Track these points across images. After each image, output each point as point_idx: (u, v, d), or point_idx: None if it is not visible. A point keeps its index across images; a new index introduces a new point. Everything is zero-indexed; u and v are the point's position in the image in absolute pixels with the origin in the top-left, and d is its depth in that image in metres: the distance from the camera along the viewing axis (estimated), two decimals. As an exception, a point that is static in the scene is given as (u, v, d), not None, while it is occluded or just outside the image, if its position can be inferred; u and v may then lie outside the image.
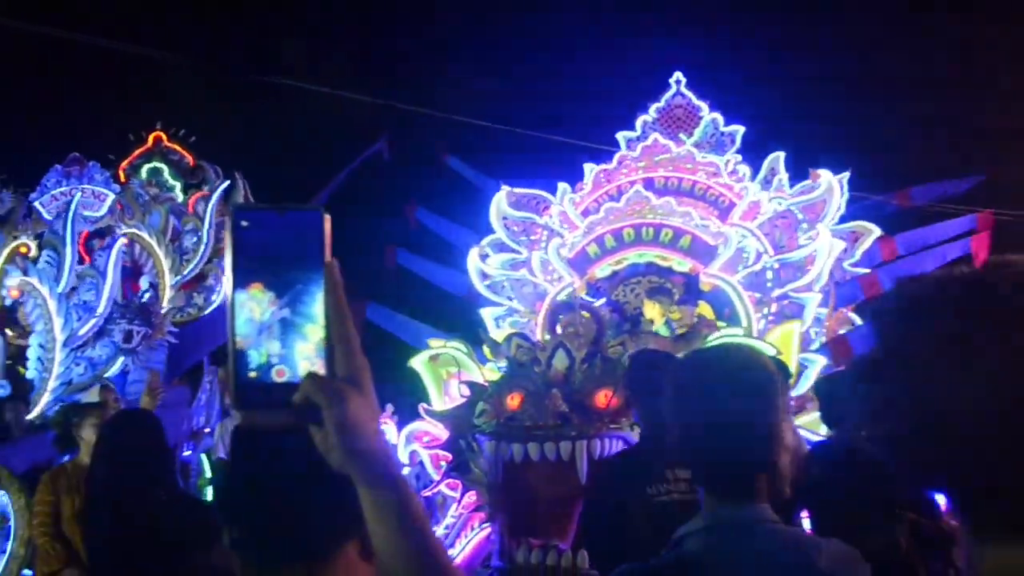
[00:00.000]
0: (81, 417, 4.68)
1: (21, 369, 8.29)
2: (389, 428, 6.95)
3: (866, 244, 7.94)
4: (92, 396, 5.05)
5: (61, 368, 8.11)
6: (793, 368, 5.77)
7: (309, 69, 15.34)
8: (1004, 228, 9.47)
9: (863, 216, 8.33)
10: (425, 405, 5.86)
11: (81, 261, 9.03)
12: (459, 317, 8.30)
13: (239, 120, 15.75)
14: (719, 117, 8.66)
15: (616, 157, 8.26)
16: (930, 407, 0.91)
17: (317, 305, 0.89)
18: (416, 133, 11.84)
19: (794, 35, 15.95)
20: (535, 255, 7.45)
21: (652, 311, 6.63)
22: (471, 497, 5.31)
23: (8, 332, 8.52)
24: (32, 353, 8.14)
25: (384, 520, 0.89)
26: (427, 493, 5.67)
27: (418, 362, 5.97)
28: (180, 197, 12.43)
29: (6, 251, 10.45)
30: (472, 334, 6.74)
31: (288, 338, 0.89)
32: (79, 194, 10.21)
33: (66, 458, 5.49)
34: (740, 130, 8.58)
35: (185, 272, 11.31)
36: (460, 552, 5.37)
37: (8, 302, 8.88)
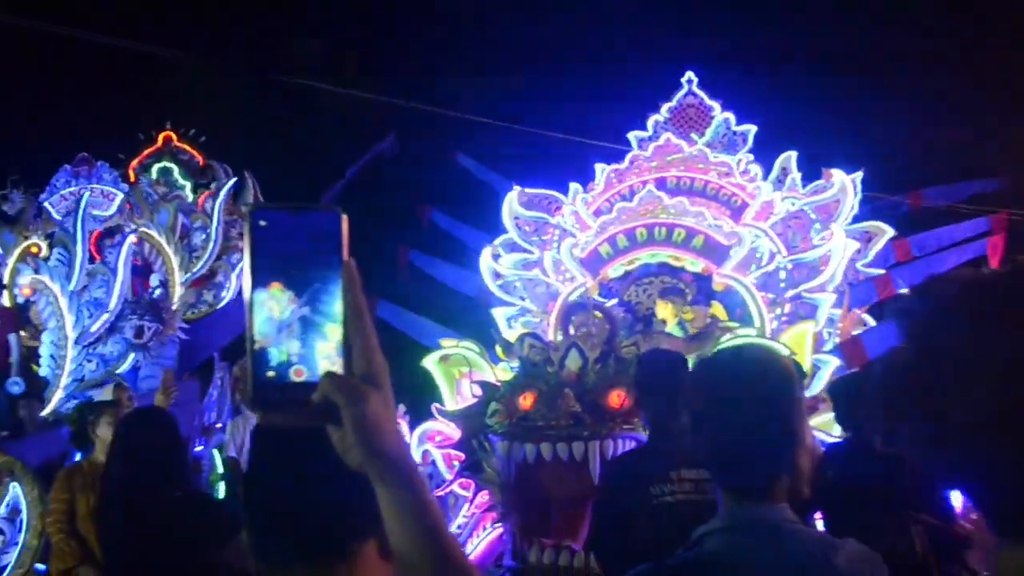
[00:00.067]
0: (97, 415, 4.70)
1: (34, 367, 8.34)
2: (401, 427, 6.93)
3: (879, 244, 7.90)
4: (106, 394, 5.08)
5: (73, 365, 8.17)
6: (806, 369, 5.75)
7: (319, 68, 15.38)
8: (1019, 230, 9.41)
9: (876, 217, 8.30)
10: (437, 405, 5.86)
11: (92, 260, 9.08)
12: (470, 317, 8.31)
13: (249, 119, 15.80)
14: (731, 116, 8.64)
15: (628, 157, 8.24)
16: (957, 406, 0.91)
17: (336, 304, 0.89)
18: (427, 132, 11.85)
19: (806, 34, 15.89)
20: (547, 255, 7.44)
21: (664, 311, 6.61)
22: (483, 497, 5.31)
23: (22, 333, 8.58)
24: (44, 350, 8.20)
25: (402, 519, 0.89)
26: (439, 493, 5.67)
27: (430, 362, 5.97)
28: (190, 197, 12.49)
29: (17, 251, 10.53)
30: (484, 334, 6.74)
31: (308, 337, 0.89)
32: (88, 192, 10.25)
33: (79, 455, 5.53)
34: (752, 129, 8.55)
35: (195, 269, 11.37)
36: (472, 552, 5.38)
37: (20, 300, 8.94)
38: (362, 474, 0.89)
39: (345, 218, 0.91)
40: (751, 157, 8.26)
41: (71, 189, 11.22)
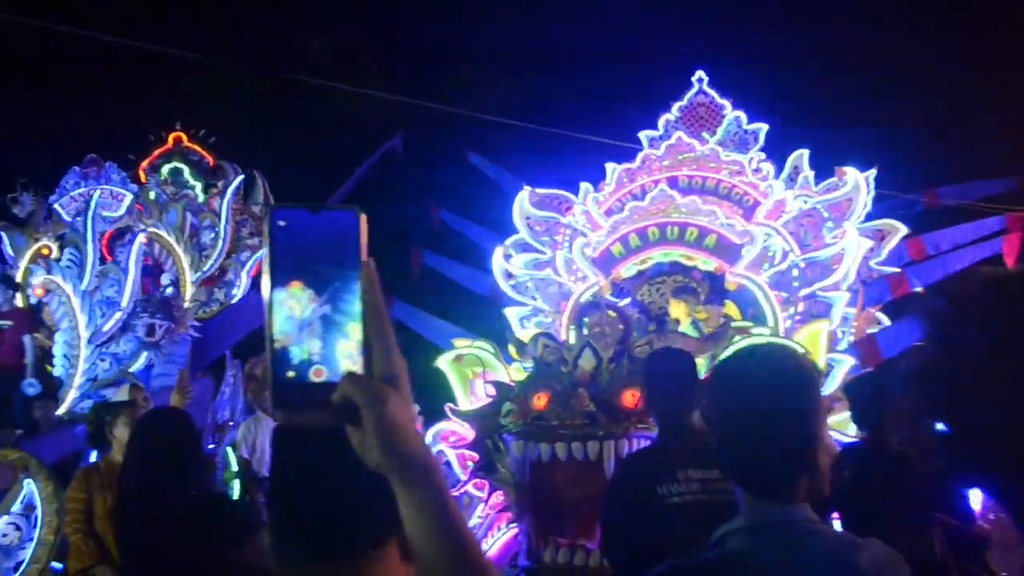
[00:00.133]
0: (114, 415, 4.73)
1: (48, 367, 8.40)
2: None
3: (893, 242, 7.85)
4: (122, 394, 5.11)
5: (87, 364, 8.23)
6: (821, 368, 5.72)
7: (330, 68, 15.41)
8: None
9: (889, 215, 8.25)
10: (451, 405, 5.86)
11: (103, 261, 9.14)
12: (483, 317, 8.31)
13: (259, 119, 15.84)
14: (742, 115, 8.61)
15: (639, 156, 8.23)
16: (984, 403, 0.90)
17: (356, 303, 0.89)
18: (436, 131, 11.86)
19: (818, 32, 15.82)
20: (559, 254, 7.44)
21: (678, 311, 6.59)
22: (498, 497, 5.31)
23: (37, 335, 8.64)
24: (58, 350, 8.26)
25: (422, 520, 0.89)
26: (454, 493, 5.66)
27: (444, 362, 5.97)
28: (201, 197, 12.54)
29: (29, 253, 10.61)
30: (497, 334, 6.73)
31: (329, 335, 0.89)
32: (98, 192, 10.30)
33: (94, 454, 5.56)
34: (763, 128, 8.52)
35: (205, 268, 11.44)
36: (487, 552, 5.37)
37: (33, 301, 9.00)
38: (382, 475, 0.89)
39: (364, 218, 0.91)
40: (763, 155, 8.23)
41: (80, 190, 11.28)
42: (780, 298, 6.66)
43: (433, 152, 12.49)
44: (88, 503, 4.50)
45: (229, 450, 7.65)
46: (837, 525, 3.79)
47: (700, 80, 8.81)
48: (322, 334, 0.89)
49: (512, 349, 6.05)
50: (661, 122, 8.65)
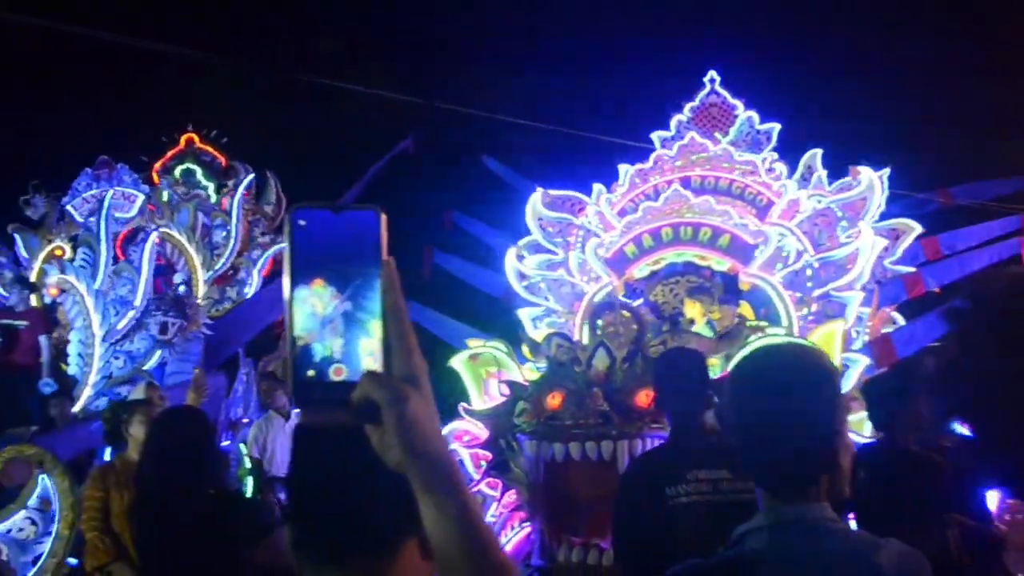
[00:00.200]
0: (130, 414, 4.75)
1: (63, 365, 8.46)
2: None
3: (907, 242, 7.82)
4: (138, 393, 5.15)
5: (101, 362, 8.29)
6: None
7: (342, 68, 15.44)
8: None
9: (903, 215, 8.22)
10: (465, 404, 5.86)
11: (116, 260, 9.20)
12: (495, 317, 8.32)
13: (272, 120, 15.90)
14: (754, 115, 8.59)
15: (652, 157, 8.22)
16: (997, 403, 0.90)
17: (377, 301, 0.89)
18: (449, 132, 11.87)
19: (830, 32, 15.76)
20: (572, 255, 7.43)
21: (693, 310, 6.58)
22: (511, 496, 5.31)
23: (53, 335, 8.71)
24: (73, 349, 8.32)
25: (442, 520, 0.88)
26: (469, 492, 5.66)
27: (458, 361, 5.97)
28: (213, 197, 12.61)
29: (42, 254, 10.69)
30: (510, 334, 6.73)
31: (351, 333, 0.89)
32: (110, 193, 10.37)
33: (109, 450, 5.60)
34: (776, 127, 8.49)
35: (217, 267, 11.51)
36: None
37: (48, 300, 9.07)
38: (402, 474, 0.88)
39: (384, 217, 0.91)
40: (775, 155, 8.21)
41: (92, 192, 11.37)
42: (794, 298, 6.64)
43: (445, 152, 12.51)
44: (105, 501, 4.52)
45: (242, 447, 7.69)
46: (852, 525, 3.77)
47: (712, 80, 8.79)
48: (344, 331, 0.89)
49: (526, 349, 6.05)
50: (673, 123, 8.64)
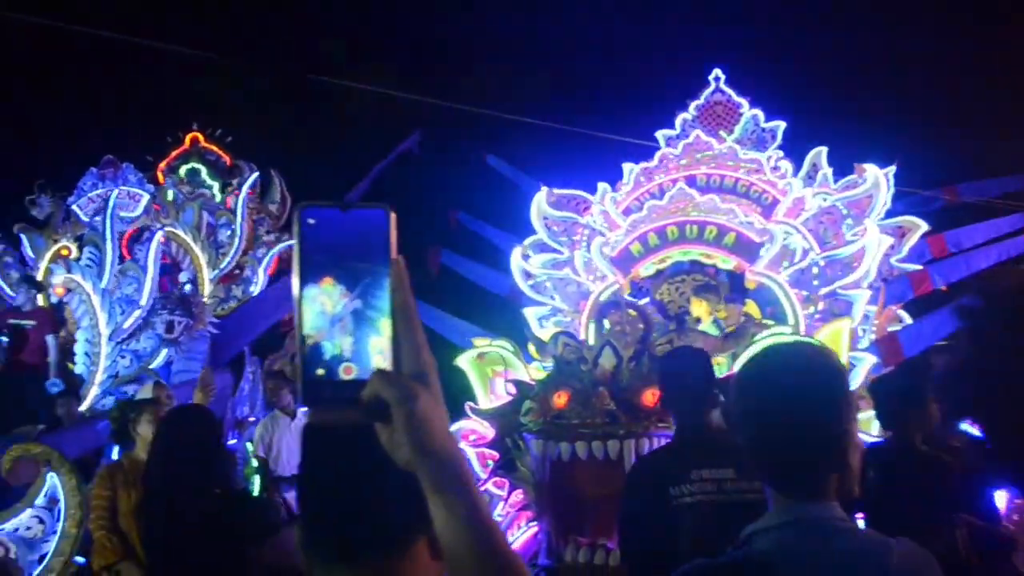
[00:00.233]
0: (138, 413, 4.76)
1: (70, 364, 8.48)
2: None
3: (913, 239, 7.80)
4: (146, 392, 5.15)
5: (108, 361, 8.30)
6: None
7: (346, 67, 15.46)
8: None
9: (909, 212, 8.20)
10: (471, 404, 5.86)
11: (121, 260, 9.22)
12: (500, 316, 8.31)
13: (276, 119, 15.92)
14: (760, 113, 8.57)
15: (657, 155, 8.21)
16: (1010, 401, 0.89)
17: (387, 300, 0.89)
18: (453, 131, 11.88)
19: (834, 29, 15.72)
20: (578, 254, 7.43)
21: (699, 309, 6.57)
22: (518, 495, 5.31)
23: (60, 335, 8.73)
24: (79, 348, 8.34)
25: (451, 518, 0.88)
26: (478, 491, 5.65)
27: (464, 360, 5.96)
28: (218, 197, 12.62)
29: (48, 254, 10.71)
30: (515, 333, 6.72)
31: (360, 331, 0.89)
32: (115, 192, 10.39)
33: (116, 449, 5.60)
34: (781, 126, 8.48)
35: (222, 265, 11.52)
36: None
37: (54, 300, 9.09)
38: (412, 473, 0.88)
39: (393, 216, 0.91)
40: (781, 154, 8.20)
41: (98, 191, 11.38)
42: (800, 296, 6.62)
43: (450, 152, 12.51)
44: (112, 500, 4.53)
45: (249, 446, 7.70)
46: (861, 524, 3.76)
47: (717, 78, 8.78)
48: (353, 330, 0.89)
49: (532, 348, 6.04)
50: (678, 121, 8.63)
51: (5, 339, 8.38)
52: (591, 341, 5.60)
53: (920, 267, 7.81)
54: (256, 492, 6.74)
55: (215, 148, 13.38)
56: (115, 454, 5.84)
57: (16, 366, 8.41)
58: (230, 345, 9.48)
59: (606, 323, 5.46)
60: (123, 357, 8.46)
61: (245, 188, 12.29)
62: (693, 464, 3.09)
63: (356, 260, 0.89)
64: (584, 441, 4.80)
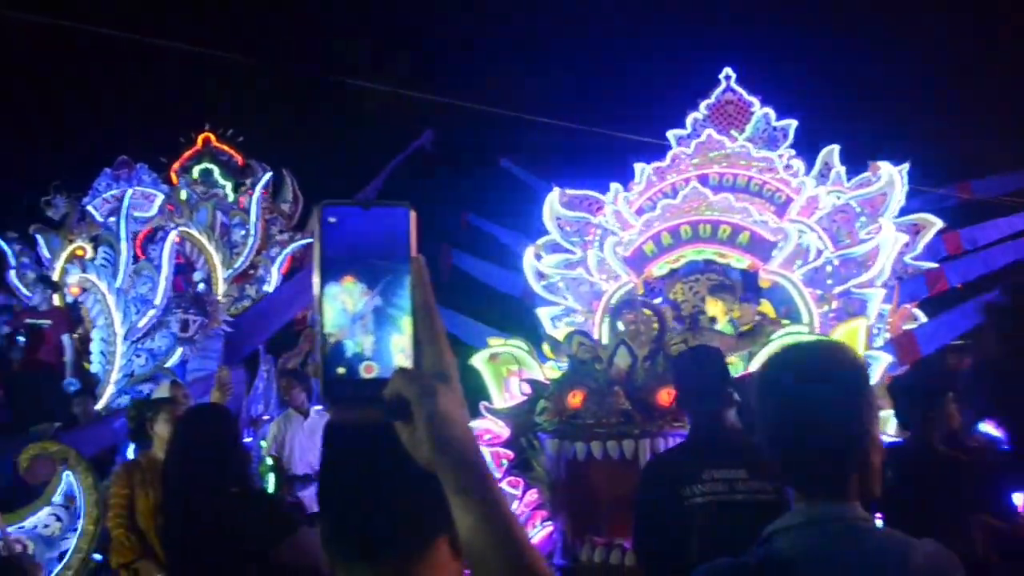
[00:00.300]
0: (154, 412, 4.78)
1: (85, 364, 8.54)
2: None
3: (928, 237, 7.75)
4: (162, 391, 5.17)
5: (123, 360, 8.36)
6: (860, 365, 5.63)
7: (359, 67, 15.49)
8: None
9: (923, 210, 8.15)
10: (486, 403, 5.86)
11: (136, 259, 9.27)
12: (513, 316, 8.31)
13: (288, 118, 15.95)
14: (771, 112, 8.54)
15: (669, 155, 8.18)
16: None
17: (407, 298, 0.90)
18: (466, 131, 11.88)
19: (846, 27, 15.65)
20: (591, 254, 7.42)
21: (715, 308, 6.55)
22: (533, 495, 5.31)
23: (76, 334, 8.79)
24: (95, 347, 8.40)
25: (472, 517, 0.88)
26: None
27: (479, 360, 5.97)
28: (231, 196, 12.67)
29: (64, 254, 10.78)
30: (529, 333, 6.72)
31: (382, 329, 0.89)
32: (130, 192, 10.45)
33: (132, 447, 5.64)
34: (793, 124, 8.44)
35: (236, 265, 11.56)
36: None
37: (70, 299, 9.15)
38: (432, 472, 0.88)
39: (414, 214, 0.91)
40: (792, 152, 8.16)
41: (112, 192, 11.43)
42: (814, 295, 6.59)
43: (462, 151, 12.52)
44: (130, 498, 4.55)
45: (263, 444, 7.73)
46: (879, 524, 3.74)
47: (728, 77, 8.74)
48: (374, 328, 0.89)
49: (546, 347, 6.04)
50: (689, 120, 8.59)
51: (22, 339, 8.46)
52: (605, 340, 5.59)
53: (935, 265, 7.77)
54: (271, 491, 6.77)
55: (227, 148, 13.43)
56: (131, 452, 5.87)
57: (33, 365, 8.48)
58: (244, 343, 9.53)
59: (620, 324, 5.45)
60: (138, 356, 8.52)
61: (259, 188, 12.34)
62: (706, 464, 3.09)
63: (377, 258, 0.90)
64: (599, 440, 4.79)
